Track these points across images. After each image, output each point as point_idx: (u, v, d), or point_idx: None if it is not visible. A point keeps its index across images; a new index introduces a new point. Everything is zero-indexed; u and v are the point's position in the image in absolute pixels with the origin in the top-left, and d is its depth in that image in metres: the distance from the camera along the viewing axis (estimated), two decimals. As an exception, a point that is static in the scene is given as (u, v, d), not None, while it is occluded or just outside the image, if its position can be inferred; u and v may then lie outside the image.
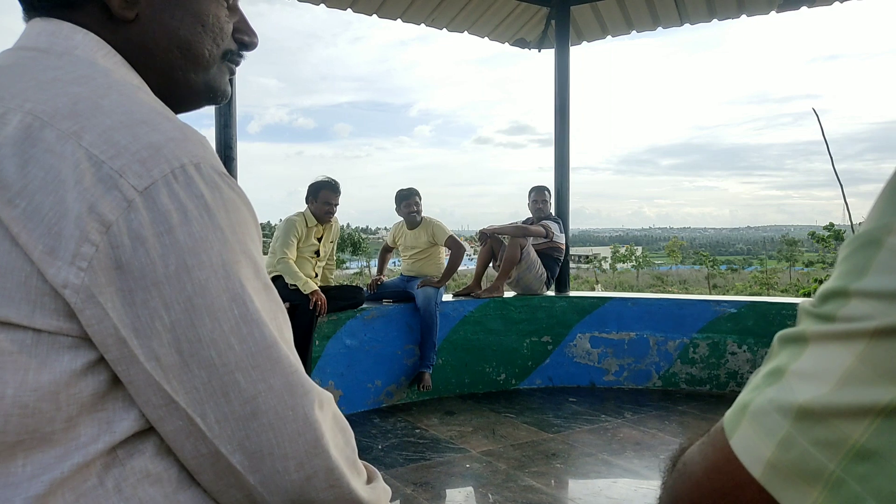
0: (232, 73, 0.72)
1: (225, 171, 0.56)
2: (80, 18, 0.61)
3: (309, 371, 3.74)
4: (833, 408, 0.32)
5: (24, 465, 0.50)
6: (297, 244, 3.92)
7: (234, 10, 0.70)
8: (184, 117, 0.65)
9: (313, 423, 0.56)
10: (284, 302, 3.72)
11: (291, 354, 0.57)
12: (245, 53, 0.73)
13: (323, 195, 3.96)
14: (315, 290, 3.71)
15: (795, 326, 0.37)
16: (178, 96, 0.68)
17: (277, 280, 3.81)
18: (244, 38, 0.72)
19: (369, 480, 0.67)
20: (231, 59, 0.71)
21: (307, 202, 4.02)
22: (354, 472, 0.62)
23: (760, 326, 4.39)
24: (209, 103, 0.71)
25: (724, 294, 16.34)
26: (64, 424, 0.51)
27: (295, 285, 3.73)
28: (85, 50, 0.59)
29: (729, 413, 0.38)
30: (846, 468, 0.31)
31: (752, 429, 0.35)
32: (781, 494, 0.33)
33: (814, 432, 0.32)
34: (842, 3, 4.32)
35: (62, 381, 0.50)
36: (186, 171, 0.51)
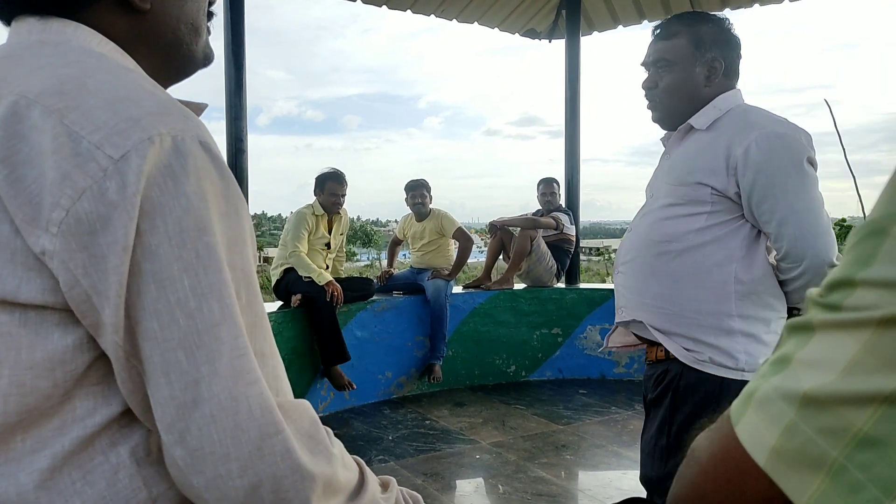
0: (209, 33, 0.73)
1: (210, 143, 0.54)
2: (88, 16, 0.60)
3: (346, 359, 3.75)
4: (838, 395, 0.32)
5: (24, 440, 0.49)
6: (308, 236, 3.94)
7: None
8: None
9: (259, 418, 0.50)
10: (297, 294, 3.75)
11: (247, 337, 0.52)
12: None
13: (329, 186, 3.99)
14: (330, 281, 3.74)
15: (803, 315, 0.37)
16: (179, 68, 0.69)
17: (291, 272, 3.84)
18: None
19: (385, 487, 0.62)
20: (209, 21, 0.72)
21: (315, 195, 4.06)
22: (323, 491, 0.53)
23: (772, 318, 4.36)
24: (202, 67, 0.72)
25: (736, 286, 16.19)
26: (60, 399, 0.50)
27: (309, 277, 3.75)
28: (79, 40, 0.59)
29: (736, 401, 0.38)
30: (849, 456, 0.32)
31: (757, 416, 0.35)
32: (784, 481, 0.34)
33: (818, 420, 0.33)
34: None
35: (56, 358, 0.50)
36: (163, 141, 0.50)
